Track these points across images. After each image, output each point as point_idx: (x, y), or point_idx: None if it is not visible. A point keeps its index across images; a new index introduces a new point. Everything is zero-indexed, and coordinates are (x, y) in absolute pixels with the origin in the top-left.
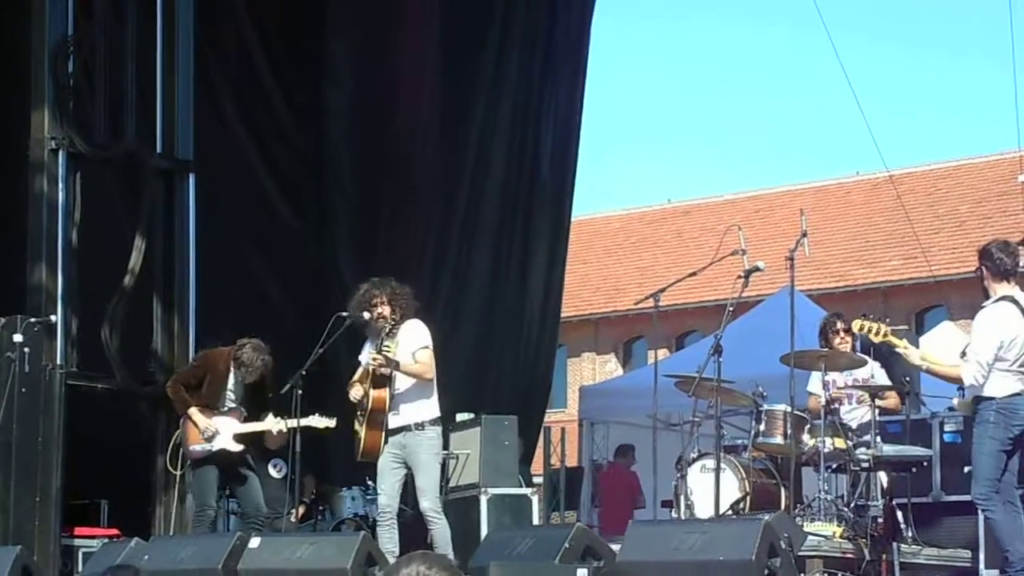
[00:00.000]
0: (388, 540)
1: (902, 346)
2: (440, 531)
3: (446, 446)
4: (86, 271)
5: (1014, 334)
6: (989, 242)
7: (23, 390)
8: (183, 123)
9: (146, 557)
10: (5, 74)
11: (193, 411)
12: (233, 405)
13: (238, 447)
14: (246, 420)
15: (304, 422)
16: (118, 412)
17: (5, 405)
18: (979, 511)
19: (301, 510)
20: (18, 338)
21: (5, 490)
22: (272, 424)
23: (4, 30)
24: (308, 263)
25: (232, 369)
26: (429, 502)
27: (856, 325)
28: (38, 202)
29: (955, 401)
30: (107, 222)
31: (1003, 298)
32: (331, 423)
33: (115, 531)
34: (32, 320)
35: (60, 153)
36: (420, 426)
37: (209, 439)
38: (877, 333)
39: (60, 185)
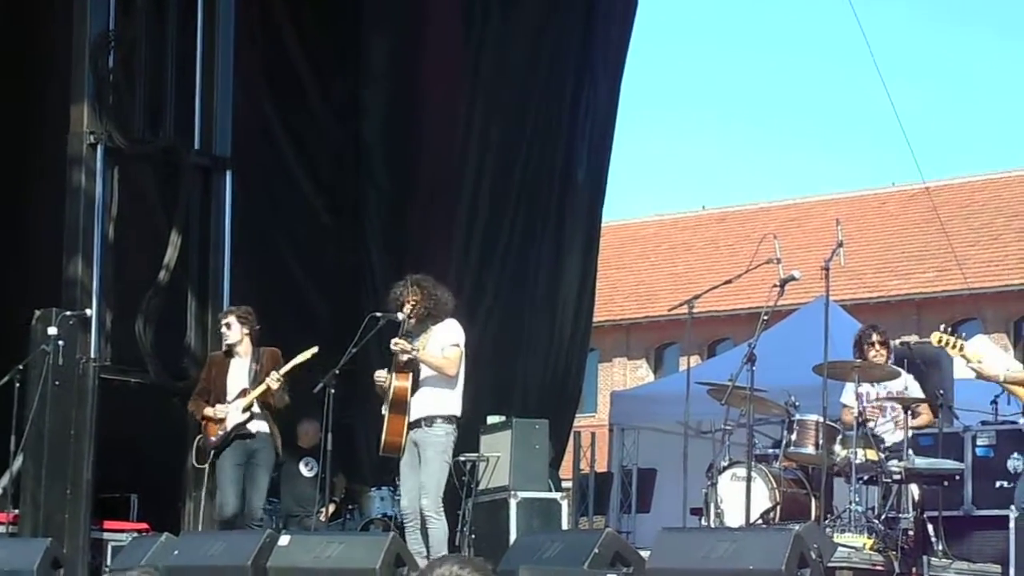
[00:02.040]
0: (414, 541)
1: (976, 361)
2: (437, 531)
3: (476, 448)
4: (122, 265)
5: None
6: None
7: (56, 383)
8: (221, 120)
9: (175, 552)
10: (46, 68)
11: (206, 410)
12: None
13: (243, 416)
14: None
15: (289, 365)
16: (150, 406)
17: (39, 397)
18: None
19: (331, 508)
20: (53, 331)
21: (36, 482)
22: (271, 380)
23: (46, 24)
24: (342, 261)
25: (232, 357)
26: (429, 500)
27: (935, 338)
28: (75, 196)
29: (928, 420)
30: (144, 217)
31: None
32: (314, 349)
33: (145, 525)
34: (67, 313)
35: (98, 147)
36: (430, 421)
37: (220, 423)
38: (953, 347)
39: (98, 179)
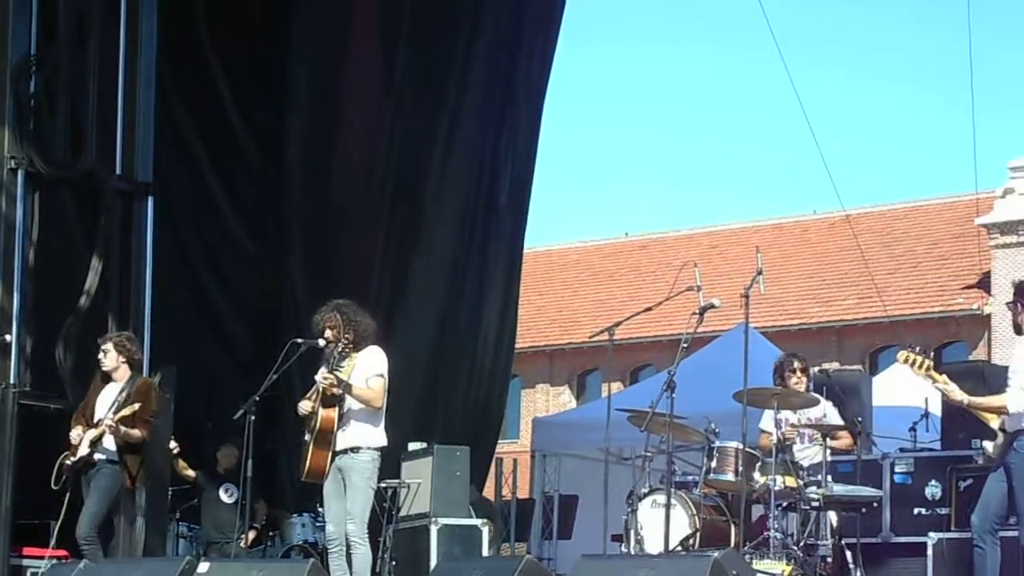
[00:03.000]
0: (337, 568)
1: (942, 382)
2: (361, 557)
3: (397, 475)
4: (42, 291)
5: None
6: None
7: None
8: (143, 145)
9: None
10: None
11: (71, 433)
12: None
13: (87, 450)
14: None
15: (120, 414)
16: (70, 432)
17: None
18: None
19: (252, 535)
20: None
21: None
22: (106, 423)
23: None
24: (263, 287)
25: (108, 382)
26: (355, 526)
27: (901, 357)
28: None
29: (988, 446)
30: (64, 242)
31: None
32: (135, 407)
33: (64, 552)
34: None
35: (19, 172)
36: (356, 450)
37: (75, 449)
38: (920, 366)
39: (18, 204)
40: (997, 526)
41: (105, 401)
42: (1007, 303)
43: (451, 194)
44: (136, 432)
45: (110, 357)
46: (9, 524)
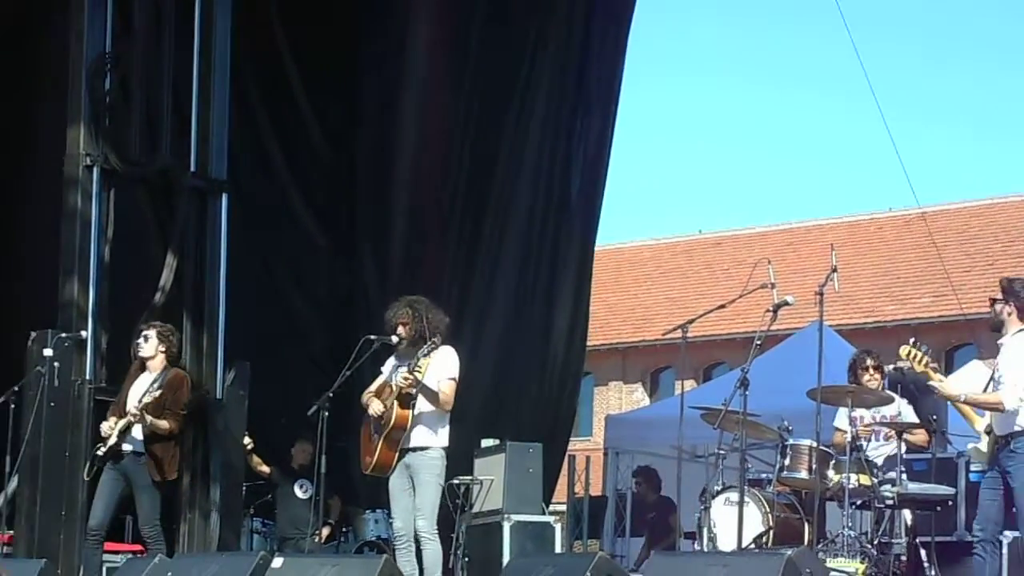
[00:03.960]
0: (406, 563)
1: (937, 379)
2: (431, 553)
3: (470, 471)
4: (117, 288)
5: None
6: (1014, 278)
7: (52, 404)
8: (218, 142)
9: (169, 574)
10: (43, 89)
11: (102, 424)
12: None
13: (115, 440)
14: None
15: (144, 400)
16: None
17: (34, 419)
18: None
19: (326, 531)
20: (48, 352)
21: (31, 503)
22: (131, 412)
23: (43, 45)
24: (337, 285)
25: (143, 371)
26: (424, 521)
27: (903, 351)
28: (71, 218)
29: (970, 447)
30: (140, 239)
31: None
32: (156, 393)
33: (139, 547)
34: (63, 335)
35: (95, 170)
36: (424, 449)
37: (105, 439)
38: (919, 361)
39: (94, 202)
40: (999, 534)
41: (138, 391)
42: (994, 300)
43: (522, 191)
44: (163, 423)
45: (150, 344)
46: (85, 519)
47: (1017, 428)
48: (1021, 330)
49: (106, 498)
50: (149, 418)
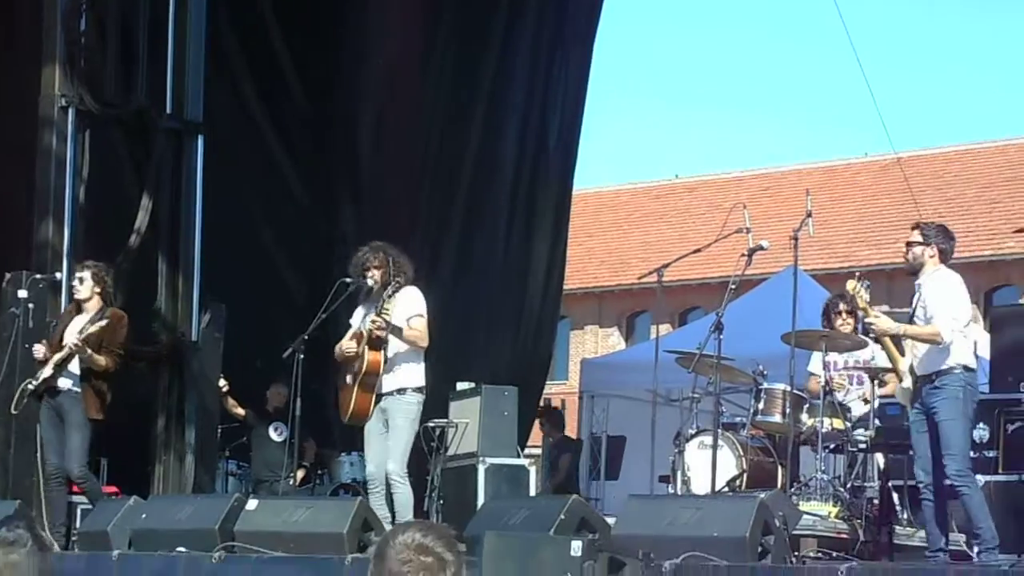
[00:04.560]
0: (379, 507)
1: (872, 315)
2: (402, 495)
3: (445, 414)
4: (92, 229)
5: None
6: (931, 223)
7: (26, 346)
8: (193, 84)
9: (144, 515)
10: (18, 30)
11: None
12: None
13: (49, 372)
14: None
15: (88, 331)
16: (119, 370)
17: (8, 360)
18: (957, 489)
19: (300, 474)
20: (23, 294)
21: (5, 445)
22: (69, 343)
23: None
24: (312, 229)
25: (79, 313)
26: (395, 465)
27: (850, 285)
28: (46, 159)
29: (894, 388)
30: (114, 180)
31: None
32: (103, 323)
33: (114, 489)
34: (37, 276)
35: (70, 110)
36: (401, 391)
37: (36, 376)
38: (860, 297)
39: (69, 142)
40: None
41: (74, 330)
42: (910, 243)
43: (499, 135)
44: (101, 359)
45: (86, 286)
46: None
47: (944, 367)
48: (938, 270)
49: (55, 441)
50: (89, 351)
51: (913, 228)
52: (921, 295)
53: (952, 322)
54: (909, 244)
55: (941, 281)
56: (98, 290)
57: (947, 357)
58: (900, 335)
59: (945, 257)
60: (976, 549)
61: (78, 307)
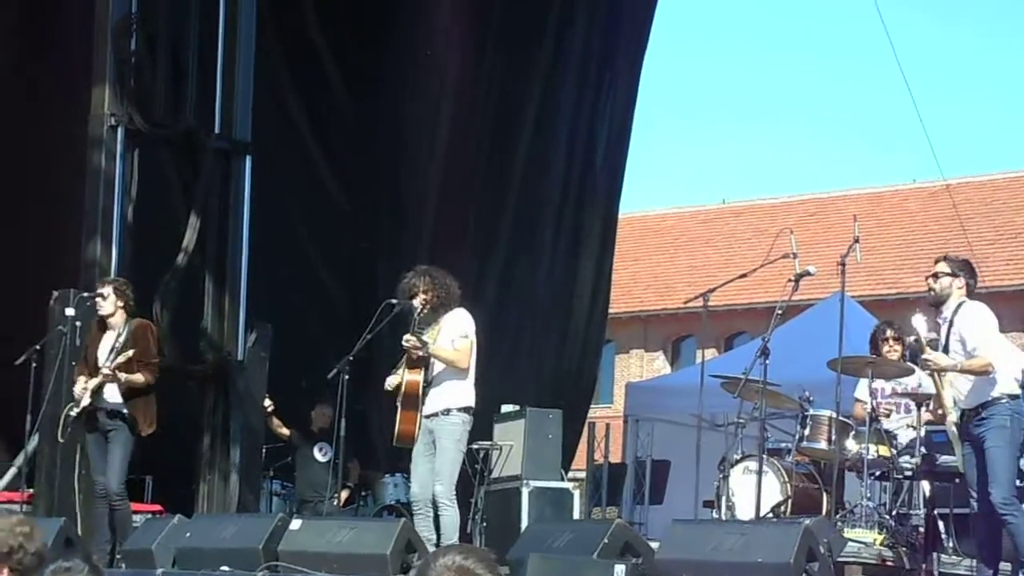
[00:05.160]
0: (424, 528)
1: (929, 352)
2: (449, 518)
3: (490, 437)
4: (140, 248)
5: None
6: (965, 258)
7: (73, 364)
8: (242, 104)
9: (188, 534)
10: (67, 50)
11: (74, 388)
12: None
13: (88, 400)
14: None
15: (119, 360)
16: (166, 389)
17: (55, 378)
18: (1002, 517)
19: (344, 495)
20: (70, 312)
21: (51, 462)
22: (104, 370)
23: (68, 7)
24: (359, 249)
25: (105, 330)
26: (443, 487)
27: (916, 320)
28: (95, 178)
29: (950, 421)
30: (163, 200)
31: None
32: (128, 353)
33: (159, 507)
34: (85, 295)
35: (119, 130)
36: (447, 412)
37: (78, 402)
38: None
39: (118, 161)
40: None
41: (104, 349)
42: (936, 275)
43: (546, 154)
44: (138, 377)
45: (109, 302)
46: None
47: (990, 398)
48: (964, 302)
49: (100, 460)
50: (123, 376)
51: (938, 261)
52: (954, 328)
53: (998, 351)
54: (936, 276)
55: (975, 313)
56: (121, 304)
57: (992, 388)
58: (957, 370)
59: (970, 291)
60: None
61: (103, 323)
